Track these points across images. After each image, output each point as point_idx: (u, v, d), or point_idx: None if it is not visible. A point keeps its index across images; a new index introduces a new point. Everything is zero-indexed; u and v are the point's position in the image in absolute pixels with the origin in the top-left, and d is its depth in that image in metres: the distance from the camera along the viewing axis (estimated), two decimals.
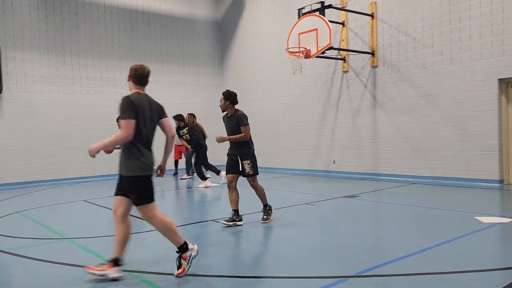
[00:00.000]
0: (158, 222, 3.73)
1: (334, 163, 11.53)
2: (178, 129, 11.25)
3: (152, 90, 13.68)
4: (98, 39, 12.72)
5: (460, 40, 8.92)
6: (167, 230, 3.76)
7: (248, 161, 5.84)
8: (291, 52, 9.99)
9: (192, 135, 10.37)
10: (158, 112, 3.83)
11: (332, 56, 10.92)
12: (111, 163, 12.57)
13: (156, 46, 13.90)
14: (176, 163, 13.17)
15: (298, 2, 12.17)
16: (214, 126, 14.89)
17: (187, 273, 3.75)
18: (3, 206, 8.05)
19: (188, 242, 3.85)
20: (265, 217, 5.94)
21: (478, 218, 5.65)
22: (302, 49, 9.77)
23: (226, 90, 6.03)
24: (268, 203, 6.04)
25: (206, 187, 9.94)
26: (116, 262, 3.69)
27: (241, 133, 5.82)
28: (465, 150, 8.92)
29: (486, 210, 6.17)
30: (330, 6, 9.92)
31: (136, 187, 3.66)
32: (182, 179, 11.96)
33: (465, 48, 8.86)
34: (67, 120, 12.04)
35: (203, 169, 10.28)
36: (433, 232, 5.06)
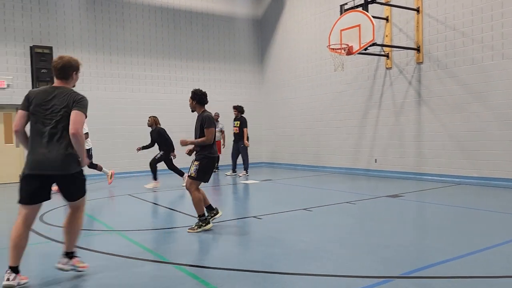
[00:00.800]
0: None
1: (375, 162, 11.32)
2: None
3: (194, 87, 14.02)
4: (142, 38, 13.10)
5: None
6: None
7: (197, 163, 5.34)
8: (333, 49, 9.88)
9: (157, 138, 9.72)
10: None
11: (375, 52, 10.70)
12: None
13: (198, 44, 14.14)
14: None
15: None
16: (254, 124, 14.99)
17: (234, 269, 3.81)
18: (55, 199, 8.46)
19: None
20: (193, 226, 5.39)
21: None
22: (344, 46, 9.64)
23: (194, 89, 5.74)
24: (206, 214, 5.46)
25: (153, 188, 9.38)
26: None
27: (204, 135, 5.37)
28: None
29: None
30: (373, 1, 9.71)
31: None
32: (227, 175, 12.10)
33: None
34: (113, 117, 12.49)
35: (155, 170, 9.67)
36: (481, 234, 4.88)
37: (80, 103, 3.59)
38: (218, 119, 13.26)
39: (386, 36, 10.83)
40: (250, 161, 14.92)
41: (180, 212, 6.88)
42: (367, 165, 11.54)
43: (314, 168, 13.01)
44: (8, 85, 11.08)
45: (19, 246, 3.43)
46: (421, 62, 10.14)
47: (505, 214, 5.95)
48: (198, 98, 5.68)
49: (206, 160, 5.35)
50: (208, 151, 5.40)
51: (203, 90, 5.73)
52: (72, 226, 3.80)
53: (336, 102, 12.30)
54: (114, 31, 12.62)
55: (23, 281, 3.47)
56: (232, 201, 8.48)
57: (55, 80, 3.72)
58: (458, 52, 9.42)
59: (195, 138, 5.50)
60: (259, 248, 4.59)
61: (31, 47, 11.27)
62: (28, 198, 3.46)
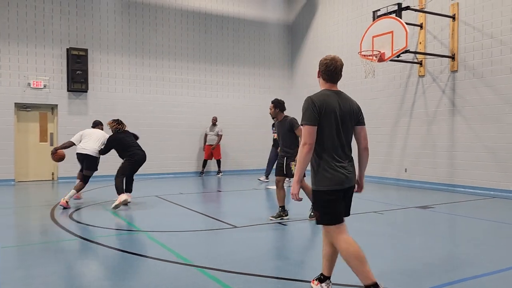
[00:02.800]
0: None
1: (405, 171, 11.05)
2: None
3: (223, 91, 14.15)
4: (174, 42, 13.31)
5: None
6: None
7: (294, 163, 5.88)
8: (364, 55, 9.73)
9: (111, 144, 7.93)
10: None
11: (407, 59, 10.47)
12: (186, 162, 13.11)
13: (228, 48, 14.25)
14: (204, 163, 13.19)
15: (372, 4, 11.84)
16: None
17: (255, 274, 3.78)
18: (86, 197, 8.68)
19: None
20: (274, 215, 6.33)
21: None
22: (375, 53, 9.49)
23: (275, 98, 6.52)
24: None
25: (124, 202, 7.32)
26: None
27: (293, 136, 6.13)
28: None
29: None
30: (407, 8, 9.52)
31: (317, 202, 3.19)
32: (259, 179, 11.76)
33: None
34: (144, 118, 12.71)
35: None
36: None
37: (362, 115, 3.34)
38: (216, 123, 13.18)
39: (420, 43, 10.59)
40: None
41: (202, 214, 6.90)
42: (397, 175, 11.28)
43: None
44: (44, 86, 11.47)
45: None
46: (456, 71, 9.85)
47: None
48: (280, 106, 6.45)
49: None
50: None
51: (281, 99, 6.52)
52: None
53: (367, 110, 12.03)
54: (147, 35, 12.87)
55: None
56: (257, 206, 8.44)
57: (331, 84, 3.28)
58: (495, 61, 9.10)
59: (283, 142, 6.30)
60: (283, 254, 4.54)
61: (67, 49, 11.64)
62: (341, 215, 3.16)
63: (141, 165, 8.00)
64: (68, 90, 11.69)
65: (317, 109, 3.05)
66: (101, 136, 7.97)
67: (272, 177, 11.85)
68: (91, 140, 7.82)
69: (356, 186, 3.31)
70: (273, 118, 6.57)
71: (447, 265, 4.21)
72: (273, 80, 15.13)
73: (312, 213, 6.13)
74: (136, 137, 8.49)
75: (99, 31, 12.18)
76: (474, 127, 9.50)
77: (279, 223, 6.13)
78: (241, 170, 14.00)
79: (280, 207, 6.36)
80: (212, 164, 13.50)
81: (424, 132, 10.57)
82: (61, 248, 4.89)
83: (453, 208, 7.58)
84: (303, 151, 3.04)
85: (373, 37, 9.60)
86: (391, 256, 4.51)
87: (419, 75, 10.70)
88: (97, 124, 8.56)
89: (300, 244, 5.00)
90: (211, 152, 13.02)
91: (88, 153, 7.69)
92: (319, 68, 3.28)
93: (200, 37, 13.74)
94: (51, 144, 11.68)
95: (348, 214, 3.27)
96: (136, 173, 8.03)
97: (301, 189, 5.44)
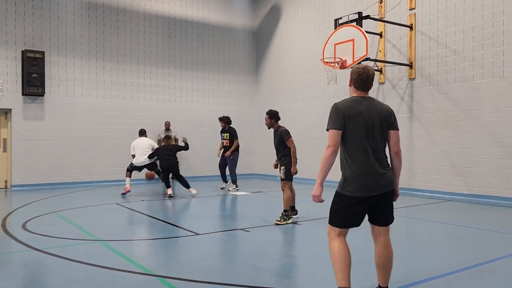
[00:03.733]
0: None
1: None
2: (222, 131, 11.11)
3: (187, 96, 14.00)
4: (136, 45, 13.06)
5: (503, 54, 8.58)
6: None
7: (284, 167, 6.66)
8: (326, 62, 9.90)
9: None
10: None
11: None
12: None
13: (192, 53, 14.14)
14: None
15: (335, 12, 12.10)
16: (247, 135, 14.94)
17: (218, 283, 3.72)
18: (40, 206, 8.33)
19: None
20: (279, 219, 6.48)
21: None
22: (337, 60, 9.67)
23: (270, 109, 6.98)
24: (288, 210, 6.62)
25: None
26: None
27: (284, 145, 6.69)
28: (507, 167, 8.53)
29: None
30: (368, 17, 9.78)
31: (334, 202, 3.25)
32: (222, 188, 11.24)
33: (508, 62, 8.51)
34: (104, 124, 12.38)
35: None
36: (469, 252, 4.84)
37: (396, 120, 3.32)
38: (170, 127, 12.95)
39: (380, 51, 10.90)
40: (243, 172, 14.87)
41: (163, 221, 6.77)
42: None
43: (308, 181, 12.95)
44: None
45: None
46: (414, 78, 10.20)
47: (493, 232, 5.93)
48: (275, 117, 6.87)
49: (290, 163, 6.68)
50: (289, 155, 6.67)
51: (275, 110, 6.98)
52: (385, 254, 3.32)
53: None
54: (108, 38, 12.57)
55: None
56: (220, 213, 8.37)
57: (362, 91, 3.33)
58: (450, 70, 9.49)
59: (277, 150, 6.82)
60: (245, 261, 4.51)
61: (22, 51, 11.17)
62: (352, 221, 3.23)
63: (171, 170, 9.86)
64: (23, 94, 11.21)
65: (342, 114, 3.12)
66: (147, 145, 10.05)
67: (243, 181, 11.84)
68: (138, 154, 10.00)
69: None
70: (268, 128, 7.01)
71: (404, 268, 4.30)
72: (237, 85, 15.14)
73: (280, 219, 6.44)
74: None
75: (57, 33, 11.78)
76: (431, 133, 9.85)
77: (242, 229, 6.09)
78: (205, 176, 13.87)
79: (290, 206, 6.82)
80: None
81: None
82: (12, 260, 4.65)
83: (411, 212, 7.80)
84: (326, 153, 3.13)
85: (335, 44, 9.79)
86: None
87: (380, 82, 11.00)
88: (142, 133, 10.70)
89: (263, 250, 4.98)
90: None
91: (140, 165, 10.06)
92: (351, 76, 3.33)
93: (164, 41, 13.56)
94: (4, 151, 11.16)
95: (385, 222, 3.30)
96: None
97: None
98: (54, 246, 5.08)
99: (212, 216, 7.54)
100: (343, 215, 3.19)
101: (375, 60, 10.49)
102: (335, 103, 3.24)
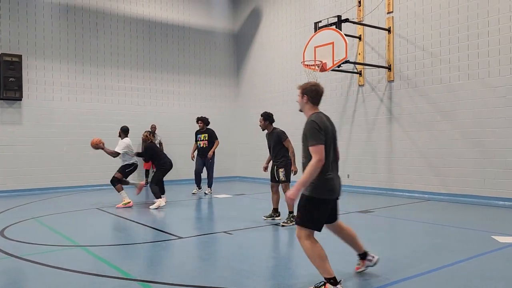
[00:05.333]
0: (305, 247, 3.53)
1: (348, 177, 11.43)
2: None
3: (168, 100, 13.92)
4: (116, 49, 12.94)
5: (478, 56, 8.82)
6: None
7: (282, 169, 6.71)
8: (307, 65, 10.00)
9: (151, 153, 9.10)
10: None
11: (348, 69, 10.90)
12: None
13: (173, 56, 14.08)
14: (147, 172, 13.01)
15: (314, 16, 12.23)
16: (229, 137, 14.94)
17: (200, 286, 3.72)
18: (19, 212, 8.17)
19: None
20: (286, 221, 6.53)
21: (495, 237, 5.52)
22: (318, 62, 9.78)
23: (264, 111, 7.02)
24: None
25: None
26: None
27: (283, 146, 6.79)
28: (483, 167, 8.76)
29: (504, 230, 6.02)
30: (347, 20, 9.92)
31: (308, 207, 3.53)
32: (193, 193, 11.00)
33: (483, 64, 8.75)
34: (84, 128, 12.21)
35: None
36: (447, 251, 4.96)
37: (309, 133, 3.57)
38: (156, 131, 12.88)
39: (359, 54, 11.06)
40: (224, 174, 14.87)
41: (146, 225, 6.72)
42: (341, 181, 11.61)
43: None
44: None
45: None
46: (392, 80, 10.38)
47: (471, 230, 6.08)
48: (270, 119, 6.94)
49: (288, 164, 6.78)
50: (287, 157, 6.80)
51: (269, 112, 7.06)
52: (349, 232, 4.07)
53: None
54: (87, 41, 12.42)
55: None
56: (202, 216, 8.36)
57: (317, 107, 3.74)
58: (427, 72, 9.70)
59: (273, 152, 6.83)
60: (229, 264, 4.52)
61: None
62: (322, 223, 3.64)
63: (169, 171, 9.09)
64: (0, 99, 10.98)
65: (323, 131, 3.51)
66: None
67: (225, 184, 11.79)
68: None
69: None
70: (263, 130, 7.06)
71: (386, 267, 4.38)
72: (219, 88, 15.14)
73: (288, 221, 6.49)
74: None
75: (35, 36, 11.59)
76: (410, 134, 10.04)
77: (225, 232, 6.10)
78: (188, 179, 13.81)
79: (273, 209, 6.94)
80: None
81: (365, 139, 11.02)
82: None
83: (392, 212, 7.93)
84: (317, 166, 3.39)
85: (315, 47, 9.90)
86: (331, 261, 4.62)
87: (359, 85, 11.15)
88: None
89: (246, 253, 5.00)
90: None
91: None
92: (307, 93, 3.68)
93: (144, 45, 13.47)
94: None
95: (337, 217, 3.98)
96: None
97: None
98: (34, 253, 5.00)
99: (194, 220, 7.52)
100: (321, 217, 3.57)
101: (355, 63, 10.65)
102: (313, 121, 3.53)
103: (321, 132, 3.47)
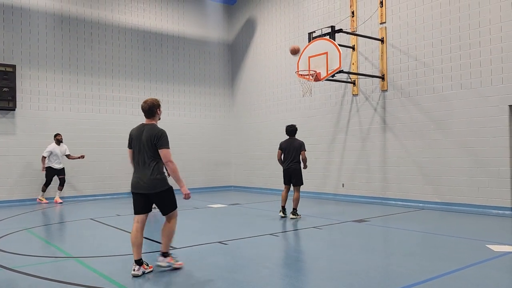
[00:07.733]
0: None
1: (343, 187, 11.44)
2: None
3: (163, 109, 13.90)
4: (111, 59, 12.95)
5: (470, 66, 8.93)
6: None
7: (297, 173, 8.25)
8: (301, 74, 10.06)
9: None
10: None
11: (342, 79, 10.97)
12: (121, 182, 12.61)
13: (168, 66, 14.11)
14: None
15: (308, 26, 12.34)
16: (223, 146, 14.94)
17: None
18: (12, 223, 8.09)
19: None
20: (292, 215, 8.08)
21: (489, 246, 5.54)
22: (312, 72, 9.84)
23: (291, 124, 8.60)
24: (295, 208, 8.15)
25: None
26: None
27: (299, 153, 8.36)
28: (476, 176, 8.81)
29: (498, 238, 6.05)
30: (340, 31, 10.02)
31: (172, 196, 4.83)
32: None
33: (475, 74, 8.85)
34: (78, 138, 12.16)
35: None
36: (442, 260, 4.96)
37: (160, 141, 4.55)
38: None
39: (353, 64, 11.15)
40: (219, 184, 14.84)
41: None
42: (335, 190, 11.65)
43: (278, 191, 13.00)
44: None
45: (137, 243, 4.58)
46: (386, 90, 10.46)
47: (465, 239, 6.10)
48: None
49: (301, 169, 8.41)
50: (300, 162, 8.40)
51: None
52: (167, 230, 4.74)
53: (305, 127, 12.44)
54: (82, 51, 12.43)
55: (147, 270, 4.54)
56: (197, 225, 8.32)
57: (145, 119, 4.80)
58: (420, 81, 9.79)
59: (291, 156, 8.40)
60: (223, 274, 4.49)
61: None
62: (136, 209, 4.69)
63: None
64: None
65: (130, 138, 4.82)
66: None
67: (220, 193, 11.75)
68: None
69: None
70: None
71: (381, 277, 4.38)
72: (213, 98, 15.17)
73: (293, 214, 8.07)
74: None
75: (29, 46, 11.58)
76: (404, 143, 10.10)
77: (219, 242, 6.07)
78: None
79: (282, 206, 8.39)
80: None
81: (359, 148, 11.06)
82: None
83: (386, 221, 7.94)
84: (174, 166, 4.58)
85: (310, 57, 9.98)
86: (327, 270, 4.61)
87: (353, 94, 11.23)
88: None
89: (241, 263, 4.97)
90: None
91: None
92: (158, 108, 4.84)
93: (139, 55, 13.50)
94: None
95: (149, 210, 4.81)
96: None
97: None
98: (26, 265, 4.94)
99: (189, 230, 7.48)
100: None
101: (348, 73, 10.73)
102: (163, 129, 4.65)
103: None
